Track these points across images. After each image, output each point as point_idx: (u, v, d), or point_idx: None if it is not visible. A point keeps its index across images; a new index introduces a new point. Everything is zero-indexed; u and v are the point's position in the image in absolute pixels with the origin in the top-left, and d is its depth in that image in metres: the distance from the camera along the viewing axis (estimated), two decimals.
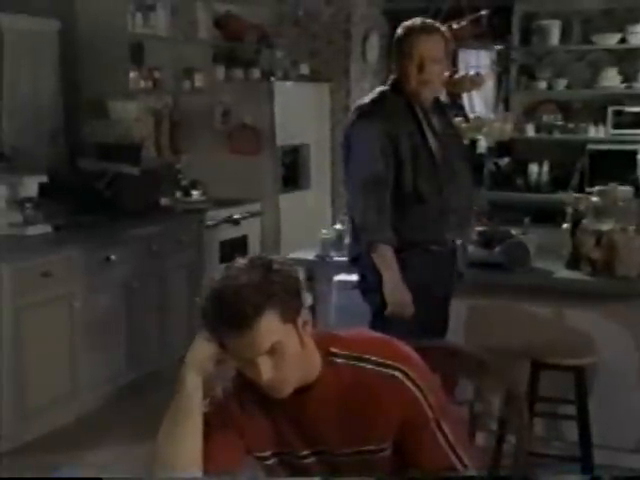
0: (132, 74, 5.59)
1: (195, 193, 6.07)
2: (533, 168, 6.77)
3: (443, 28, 3.35)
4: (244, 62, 6.48)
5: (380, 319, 3.23)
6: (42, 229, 4.75)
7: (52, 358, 4.43)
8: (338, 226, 4.24)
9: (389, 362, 1.82)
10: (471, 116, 5.93)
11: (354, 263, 3.44)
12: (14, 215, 4.71)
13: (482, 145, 6.81)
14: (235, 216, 5.95)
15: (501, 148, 6.77)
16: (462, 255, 3.48)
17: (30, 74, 5.29)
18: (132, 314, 4.97)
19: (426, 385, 1.82)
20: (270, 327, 1.70)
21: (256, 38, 6.59)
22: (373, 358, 1.83)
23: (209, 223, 5.69)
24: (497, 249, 3.81)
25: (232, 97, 6.21)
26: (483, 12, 4.84)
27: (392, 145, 3.22)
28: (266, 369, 1.73)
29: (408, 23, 3.31)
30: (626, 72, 6.64)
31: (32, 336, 4.27)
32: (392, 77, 3.38)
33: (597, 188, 4.00)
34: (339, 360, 1.84)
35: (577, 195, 4.18)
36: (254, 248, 6.05)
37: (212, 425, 1.83)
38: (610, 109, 6.59)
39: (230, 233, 5.90)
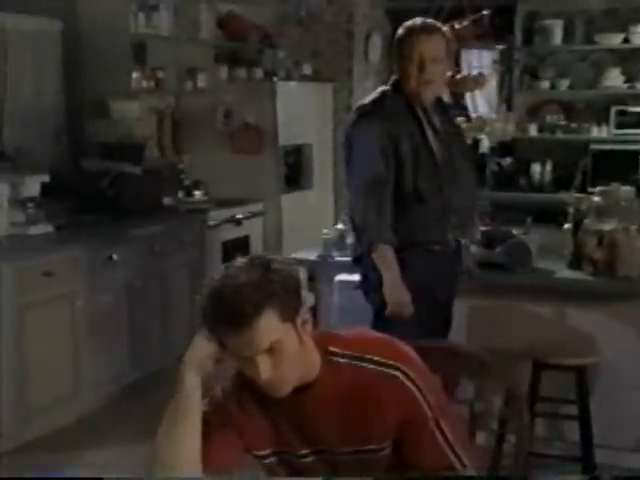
0: (135, 74, 5.60)
1: (197, 193, 6.07)
2: (536, 168, 6.76)
3: (444, 28, 3.35)
4: (247, 62, 6.48)
5: (382, 319, 3.23)
6: (44, 228, 4.76)
7: (54, 357, 4.43)
8: (340, 226, 4.23)
9: (389, 362, 1.82)
10: (473, 116, 5.93)
11: (357, 263, 3.45)
12: (16, 215, 4.72)
13: (485, 145, 6.81)
14: (237, 216, 5.95)
15: (504, 148, 6.77)
16: (469, 255, 3.49)
17: (33, 74, 5.30)
18: (134, 314, 4.98)
19: (426, 385, 1.82)
20: (269, 326, 1.70)
21: (259, 38, 6.59)
22: (373, 358, 1.83)
23: (211, 223, 5.70)
24: (499, 249, 3.81)
25: (234, 97, 6.21)
26: (485, 12, 4.85)
27: (393, 145, 3.22)
28: (265, 368, 1.73)
29: (408, 23, 3.31)
30: (629, 72, 6.63)
31: (34, 335, 4.27)
32: (393, 77, 3.39)
33: (599, 188, 4.00)
34: (339, 359, 1.84)
35: (579, 195, 4.18)
36: (256, 248, 6.05)
37: (211, 424, 1.83)
38: (613, 109, 6.59)
39: (232, 233, 5.90)
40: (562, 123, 6.78)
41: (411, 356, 1.87)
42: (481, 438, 2.41)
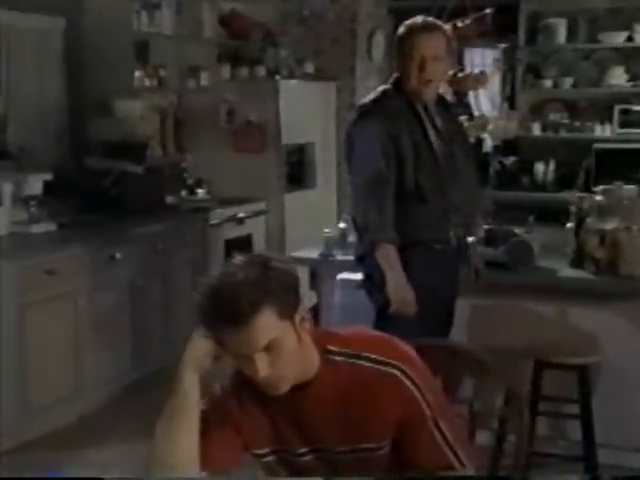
0: (137, 72, 5.61)
1: (200, 191, 6.07)
2: (539, 167, 6.74)
3: (445, 26, 3.35)
4: (249, 60, 6.49)
5: (384, 318, 3.23)
6: (47, 227, 4.77)
7: (56, 356, 4.43)
8: (342, 225, 4.23)
9: (387, 360, 1.81)
10: (476, 114, 5.93)
11: (360, 262, 3.44)
12: (19, 213, 4.73)
13: (488, 144, 6.79)
14: (240, 215, 5.96)
15: (507, 147, 6.76)
16: (477, 254, 3.48)
17: (35, 72, 5.30)
18: (137, 312, 4.98)
19: (424, 384, 1.82)
20: (267, 324, 1.70)
21: (261, 36, 6.59)
22: (371, 356, 1.82)
23: (214, 222, 5.69)
24: (501, 248, 3.80)
25: (237, 95, 6.21)
26: (487, 10, 4.84)
27: (394, 144, 3.22)
28: (263, 366, 1.72)
29: (409, 22, 3.30)
30: (633, 71, 6.61)
31: (36, 334, 4.28)
32: (394, 76, 3.38)
33: (601, 187, 3.99)
34: (337, 358, 1.83)
35: (581, 194, 4.17)
36: (259, 247, 6.04)
37: (210, 422, 1.83)
38: (616, 108, 6.57)
39: (235, 232, 5.90)
40: (565, 122, 6.76)
41: (410, 355, 1.86)
42: (481, 437, 2.39)
